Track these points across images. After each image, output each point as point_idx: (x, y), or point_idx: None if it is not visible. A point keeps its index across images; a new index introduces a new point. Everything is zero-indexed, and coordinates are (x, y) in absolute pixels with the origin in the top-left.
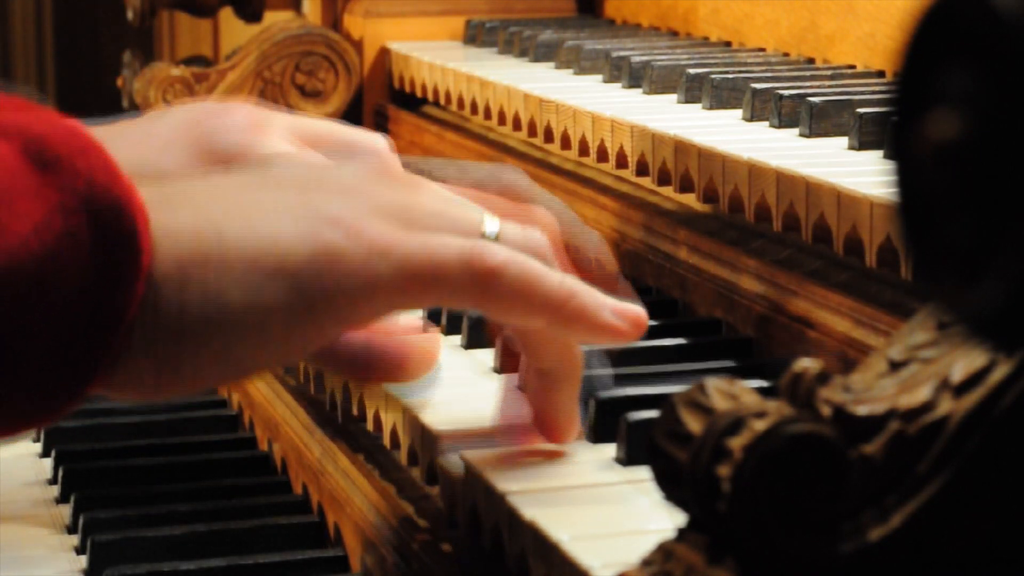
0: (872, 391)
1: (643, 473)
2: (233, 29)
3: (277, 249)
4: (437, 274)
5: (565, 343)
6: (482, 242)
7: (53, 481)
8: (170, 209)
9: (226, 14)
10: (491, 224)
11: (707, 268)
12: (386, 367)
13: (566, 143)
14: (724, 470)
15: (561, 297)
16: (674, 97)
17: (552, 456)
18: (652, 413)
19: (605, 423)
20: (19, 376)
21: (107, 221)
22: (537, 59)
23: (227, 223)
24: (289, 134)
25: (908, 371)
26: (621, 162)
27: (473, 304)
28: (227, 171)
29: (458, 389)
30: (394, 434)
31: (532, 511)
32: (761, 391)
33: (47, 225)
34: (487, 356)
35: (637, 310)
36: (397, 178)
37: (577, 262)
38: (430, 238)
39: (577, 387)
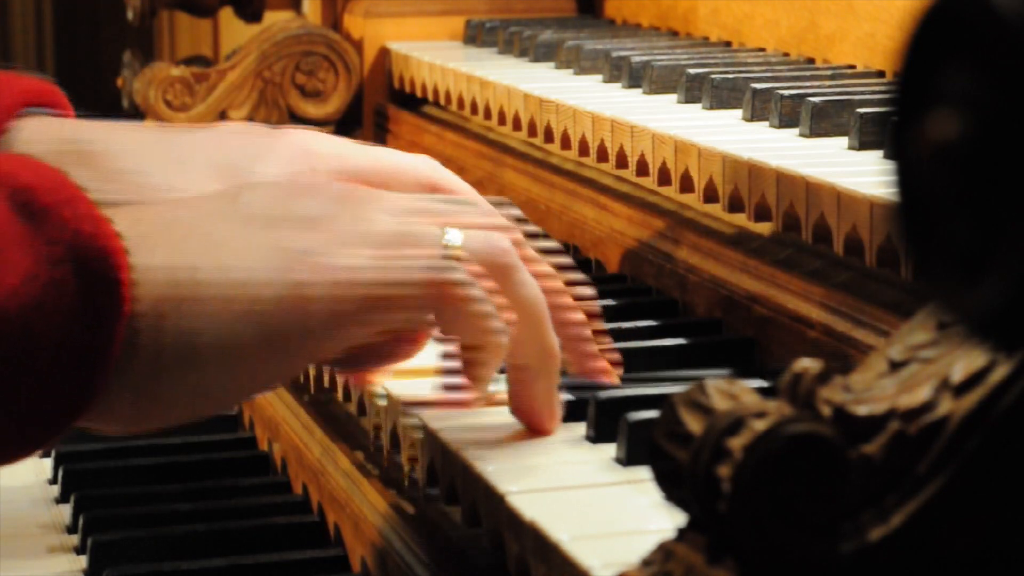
0: (872, 391)
1: (643, 473)
2: (233, 29)
3: (247, 289)
4: (399, 298)
5: (542, 340)
6: (446, 264)
7: (53, 481)
8: (147, 248)
9: (226, 14)
10: (454, 236)
11: (707, 268)
12: (370, 356)
13: (566, 143)
14: (724, 470)
15: (500, 340)
16: (674, 97)
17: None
18: (652, 413)
19: (605, 423)
20: (9, 414)
21: (92, 270)
22: (537, 59)
23: (200, 262)
24: (335, 174)
25: (908, 371)
26: (621, 162)
27: (431, 315)
28: (199, 199)
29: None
30: (394, 434)
31: (532, 511)
32: (761, 391)
33: (35, 275)
34: None
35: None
36: (358, 201)
37: (562, 320)
38: (391, 264)
39: (555, 380)
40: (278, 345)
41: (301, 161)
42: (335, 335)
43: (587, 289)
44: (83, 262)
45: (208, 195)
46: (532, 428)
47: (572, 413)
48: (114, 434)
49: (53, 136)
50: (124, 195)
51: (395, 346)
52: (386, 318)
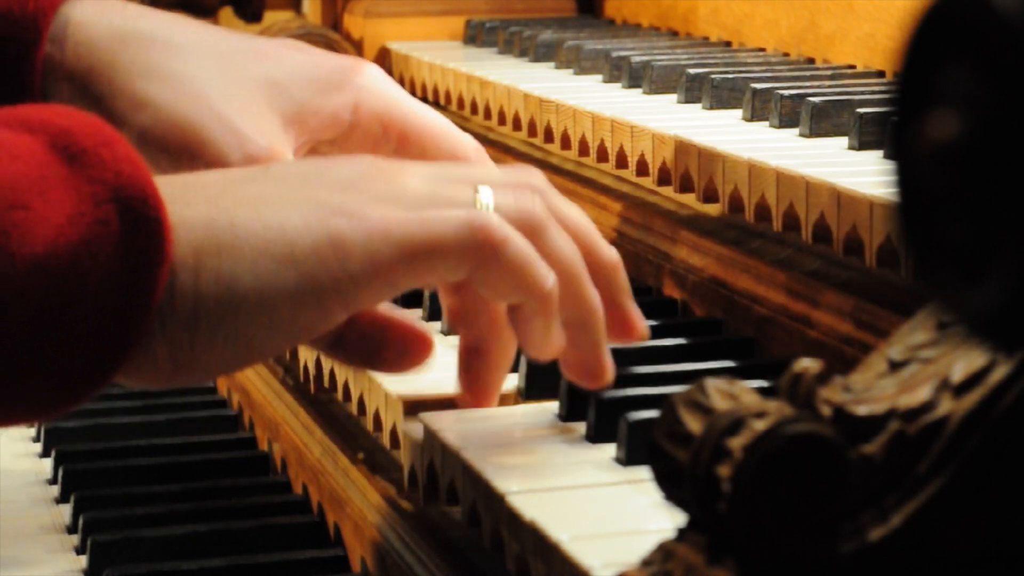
0: (872, 391)
1: (643, 473)
2: (233, 29)
3: (285, 237)
4: (438, 248)
5: (582, 294)
6: (483, 213)
7: (53, 481)
8: (184, 201)
9: (226, 14)
10: (485, 196)
11: (707, 268)
12: (393, 353)
13: (566, 143)
14: (724, 470)
15: (545, 287)
16: (674, 97)
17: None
18: (652, 413)
19: (605, 423)
20: (55, 361)
21: (134, 209)
22: (537, 59)
23: (237, 213)
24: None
25: (908, 371)
26: (621, 162)
27: (470, 272)
28: (231, 168)
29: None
30: (394, 434)
31: (532, 511)
32: (761, 391)
33: (80, 214)
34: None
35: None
36: (388, 169)
37: (597, 260)
38: (428, 214)
39: (601, 334)
40: (316, 293)
41: (350, 93)
42: (373, 286)
43: (612, 251)
44: (125, 202)
45: (239, 167)
46: (588, 384)
47: (572, 412)
48: (152, 387)
49: (115, 18)
50: (180, 99)
51: (401, 352)
52: (424, 270)
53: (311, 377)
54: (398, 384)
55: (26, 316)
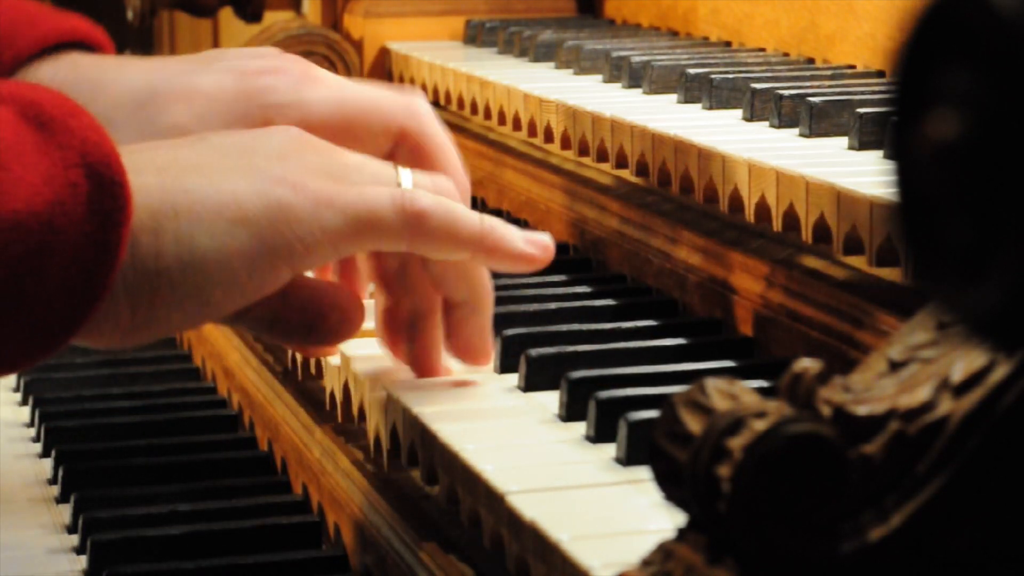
0: (872, 391)
1: (643, 473)
2: (233, 29)
3: (236, 201)
4: (375, 219)
5: (478, 276)
6: (409, 189)
7: (53, 481)
8: (136, 171)
9: (226, 14)
10: (405, 175)
11: (707, 268)
12: (334, 321)
13: (566, 143)
14: (724, 470)
15: (481, 232)
16: (674, 97)
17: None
18: (652, 413)
19: (605, 423)
20: (28, 314)
21: (100, 173)
22: (537, 59)
23: (188, 179)
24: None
25: (908, 371)
26: (621, 162)
27: (407, 244)
28: (172, 140)
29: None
30: (394, 434)
31: (532, 511)
32: (761, 391)
33: (53, 177)
34: None
35: (545, 237)
36: (317, 144)
37: None
38: (364, 188)
39: (489, 316)
40: (267, 253)
41: (258, 114)
42: (318, 249)
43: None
44: (92, 166)
45: (178, 138)
46: (468, 364)
47: (572, 411)
48: (113, 347)
49: (76, 65)
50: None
51: (342, 319)
52: (363, 238)
53: (312, 377)
54: (399, 387)
55: (5, 269)
